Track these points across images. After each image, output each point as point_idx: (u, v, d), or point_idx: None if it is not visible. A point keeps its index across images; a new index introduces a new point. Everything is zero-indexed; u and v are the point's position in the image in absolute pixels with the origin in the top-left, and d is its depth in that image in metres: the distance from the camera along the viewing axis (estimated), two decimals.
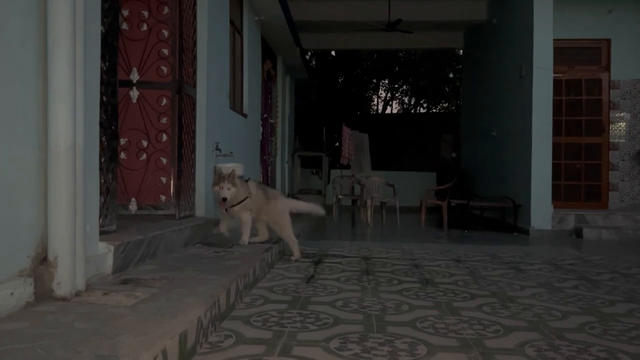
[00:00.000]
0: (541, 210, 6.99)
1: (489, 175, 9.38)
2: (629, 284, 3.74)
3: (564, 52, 7.55)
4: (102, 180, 3.01)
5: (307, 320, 2.67)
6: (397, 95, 24.55)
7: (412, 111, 24.05)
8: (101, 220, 2.97)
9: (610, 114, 7.78)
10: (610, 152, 7.78)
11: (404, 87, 23.93)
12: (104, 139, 3.03)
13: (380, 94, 24.66)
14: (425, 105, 24.26)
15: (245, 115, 7.18)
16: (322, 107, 19.00)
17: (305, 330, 2.50)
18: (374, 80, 23.72)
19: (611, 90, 7.77)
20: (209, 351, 2.19)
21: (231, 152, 5.64)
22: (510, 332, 2.51)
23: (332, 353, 2.19)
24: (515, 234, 7.09)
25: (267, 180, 9.91)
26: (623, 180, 7.78)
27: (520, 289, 3.53)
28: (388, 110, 24.64)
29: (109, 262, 2.87)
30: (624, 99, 7.75)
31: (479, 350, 2.26)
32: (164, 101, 4.44)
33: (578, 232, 6.78)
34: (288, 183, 12.51)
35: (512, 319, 2.77)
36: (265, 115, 9.50)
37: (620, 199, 7.76)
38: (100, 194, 2.96)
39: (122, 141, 4.28)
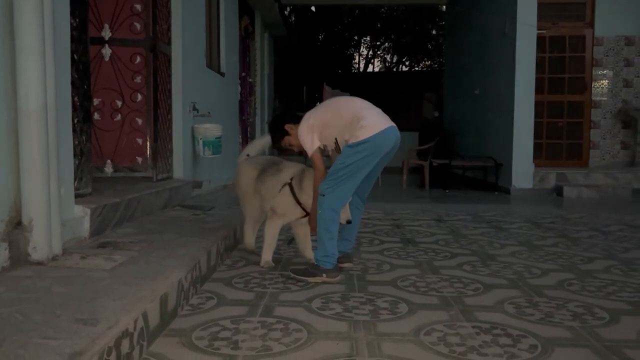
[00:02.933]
0: (522, 169, 7.02)
1: (471, 134, 9.37)
2: (608, 241, 3.80)
3: (548, 8, 7.43)
4: (76, 142, 2.92)
5: (289, 281, 2.66)
6: (379, 53, 24.24)
7: (394, 69, 23.82)
8: (76, 183, 2.90)
9: (593, 71, 7.75)
10: (592, 110, 7.80)
11: (386, 44, 23.62)
12: (76, 98, 2.92)
13: (362, 51, 24.34)
14: (407, 63, 24.01)
15: (222, 74, 7.00)
16: (302, 65, 18.68)
17: (287, 291, 2.50)
18: (356, 38, 23.34)
19: (595, 47, 7.72)
20: (191, 313, 2.17)
21: (209, 112, 5.53)
22: (490, 290, 2.54)
23: (314, 313, 2.19)
24: (496, 193, 7.14)
25: (247, 141, 9.79)
26: (604, 139, 7.82)
27: (500, 247, 3.57)
28: (370, 69, 24.39)
29: (85, 226, 2.82)
30: (607, 56, 7.71)
31: (459, 307, 2.28)
32: (138, 59, 4.29)
33: (559, 191, 6.85)
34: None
35: (492, 277, 2.80)
36: (243, 74, 9.30)
37: (601, 157, 7.82)
38: (75, 155, 2.88)
39: (96, 101, 4.14)
